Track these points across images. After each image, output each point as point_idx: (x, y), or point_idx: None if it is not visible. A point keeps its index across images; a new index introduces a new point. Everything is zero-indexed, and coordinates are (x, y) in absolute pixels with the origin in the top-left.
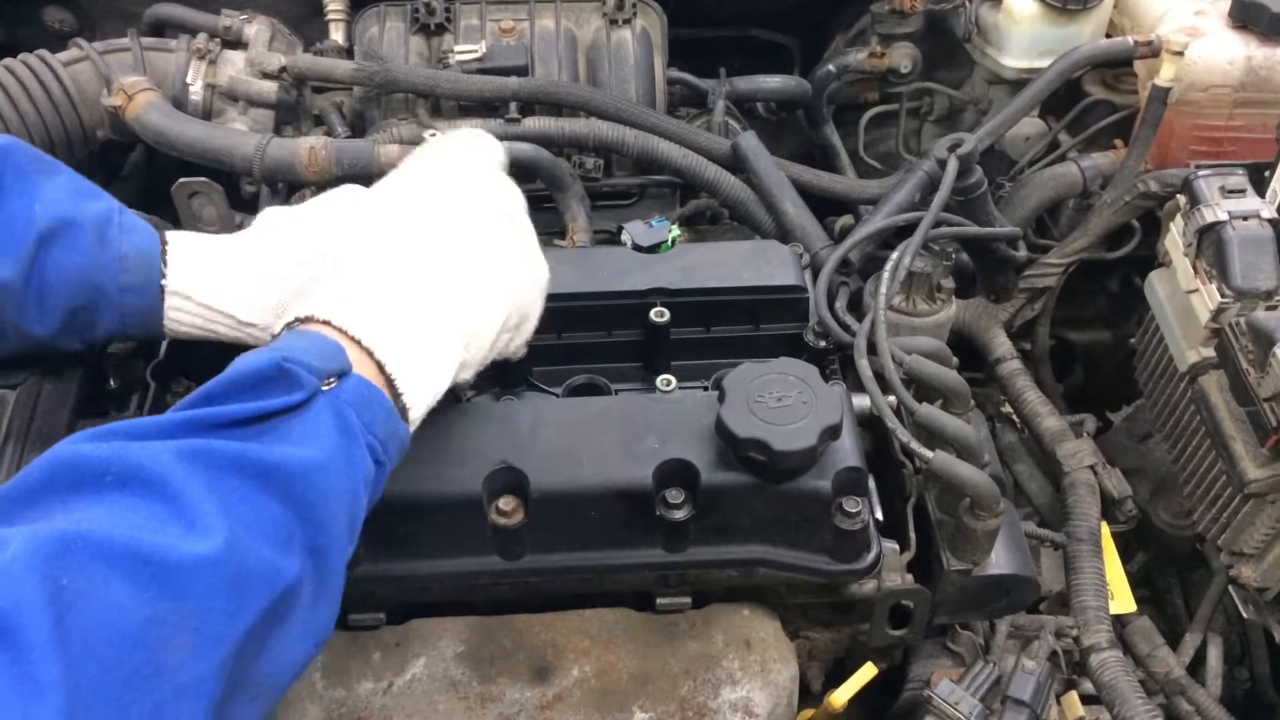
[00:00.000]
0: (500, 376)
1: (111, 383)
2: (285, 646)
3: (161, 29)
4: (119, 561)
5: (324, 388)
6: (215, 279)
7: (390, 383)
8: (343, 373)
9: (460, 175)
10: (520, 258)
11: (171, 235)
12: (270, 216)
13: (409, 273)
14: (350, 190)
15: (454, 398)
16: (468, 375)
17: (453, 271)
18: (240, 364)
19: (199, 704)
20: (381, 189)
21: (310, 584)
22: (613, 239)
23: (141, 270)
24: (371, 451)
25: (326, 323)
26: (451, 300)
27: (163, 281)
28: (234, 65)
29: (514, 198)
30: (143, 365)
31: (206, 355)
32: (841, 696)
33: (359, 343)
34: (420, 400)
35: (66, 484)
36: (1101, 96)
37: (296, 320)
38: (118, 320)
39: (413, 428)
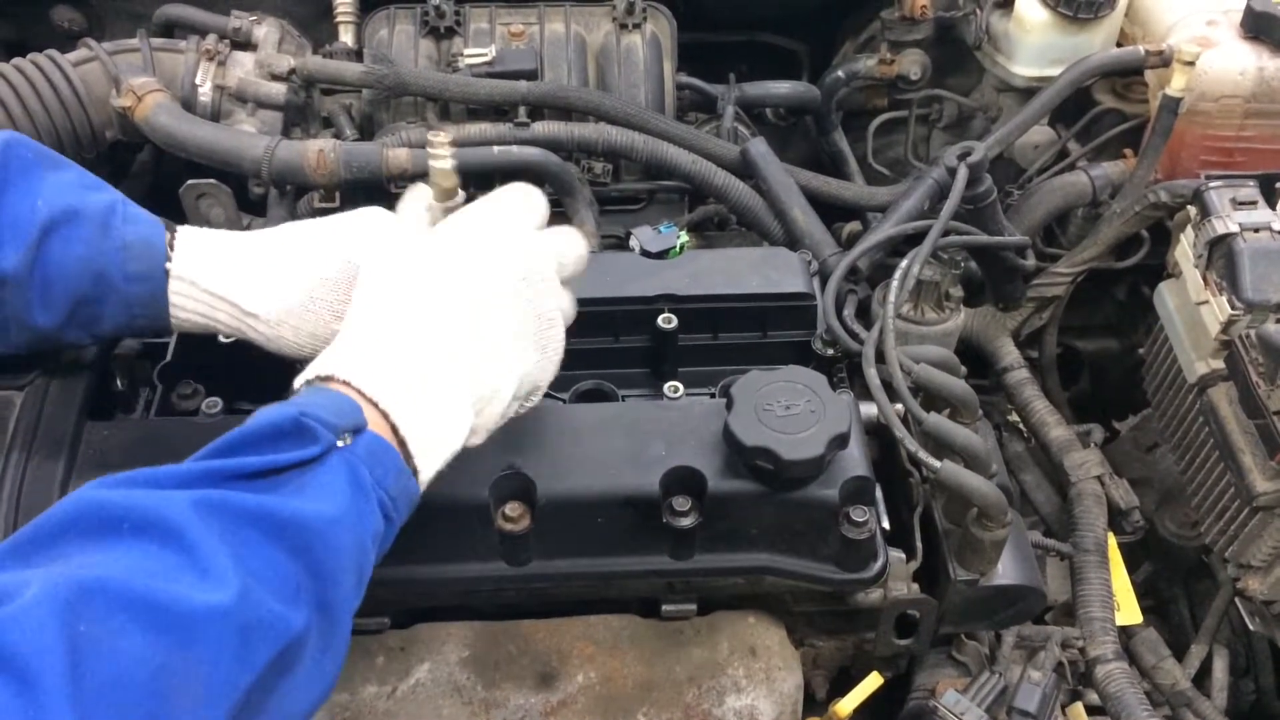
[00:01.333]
0: None
1: (119, 384)
2: (291, 697)
3: (171, 30)
4: (135, 609)
5: (339, 443)
6: (221, 267)
7: (403, 444)
8: (358, 429)
9: (492, 242)
10: (535, 331)
11: (181, 227)
12: (288, 224)
13: (429, 338)
14: (375, 219)
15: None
16: (478, 439)
17: (471, 341)
18: (260, 417)
19: None
20: (413, 242)
21: (317, 636)
22: (621, 244)
23: (146, 258)
24: (382, 507)
25: (345, 383)
26: (467, 369)
27: (167, 265)
28: (243, 67)
29: (545, 266)
30: (150, 367)
31: (214, 357)
32: (847, 706)
33: (375, 404)
34: (431, 463)
35: (86, 529)
36: (1111, 105)
37: (316, 378)
38: (123, 311)
39: (423, 489)
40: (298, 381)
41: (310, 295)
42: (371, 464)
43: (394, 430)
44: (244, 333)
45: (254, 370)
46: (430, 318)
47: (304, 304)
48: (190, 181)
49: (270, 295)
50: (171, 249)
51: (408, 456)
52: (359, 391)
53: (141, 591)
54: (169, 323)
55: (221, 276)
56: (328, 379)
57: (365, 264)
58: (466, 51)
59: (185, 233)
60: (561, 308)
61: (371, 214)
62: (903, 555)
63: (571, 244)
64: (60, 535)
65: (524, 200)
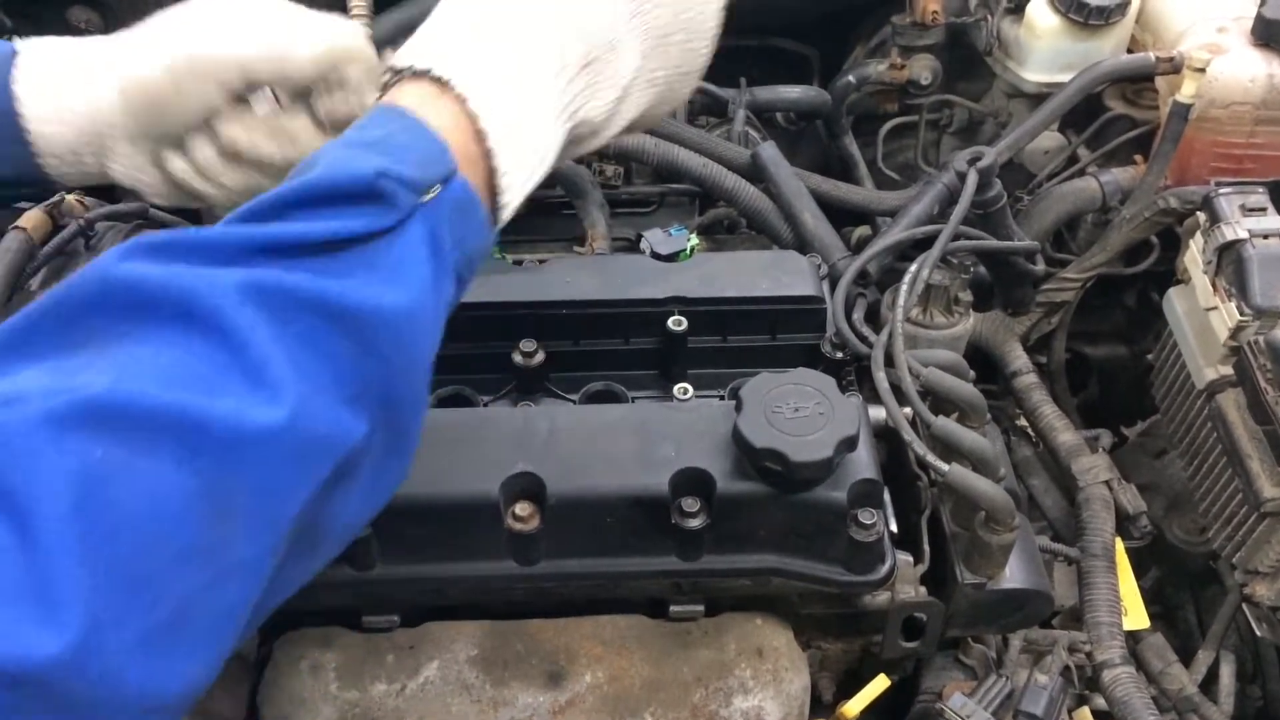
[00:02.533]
0: (518, 383)
1: None
2: (347, 507)
3: None
4: (166, 427)
5: (422, 200)
6: (69, 81)
7: (492, 174)
8: (447, 178)
9: None
10: (681, 26)
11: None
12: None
13: (534, 18)
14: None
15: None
16: (597, 142)
17: (594, 29)
18: (326, 168)
19: (249, 583)
20: None
21: (381, 437)
22: (631, 247)
23: None
24: (457, 271)
25: (436, 80)
26: (586, 69)
27: (14, 86)
28: None
29: None
30: None
31: None
32: (853, 708)
33: (475, 123)
34: (519, 192)
35: (113, 312)
36: (1122, 111)
37: (394, 74)
38: None
39: (502, 222)
40: (378, 85)
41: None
42: (455, 223)
43: (486, 155)
44: (105, 162)
45: None
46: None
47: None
48: None
49: (124, 113)
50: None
51: (495, 190)
52: (456, 97)
53: (175, 405)
54: (35, 168)
55: (70, 95)
56: (413, 76)
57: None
58: None
59: (30, 48)
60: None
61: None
62: (910, 558)
63: None
64: (80, 317)
65: None
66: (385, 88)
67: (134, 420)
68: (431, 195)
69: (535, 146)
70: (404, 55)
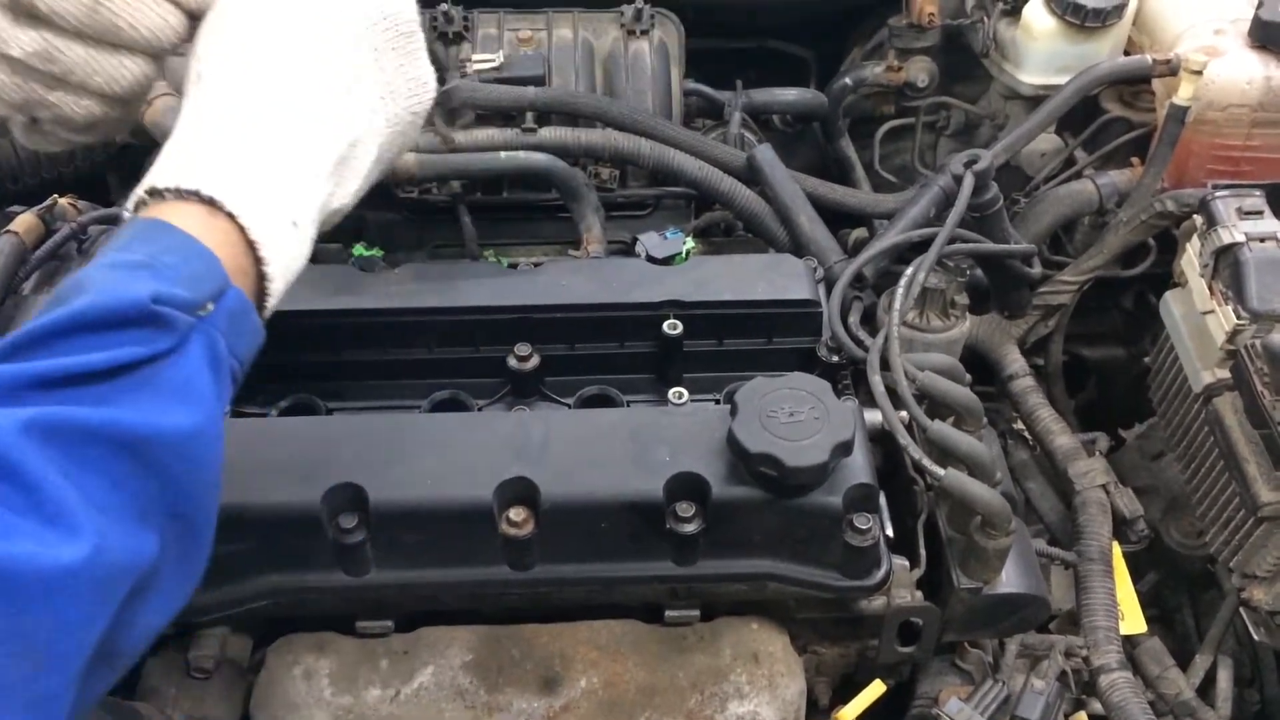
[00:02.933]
0: (513, 387)
1: None
2: (144, 620)
3: None
4: None
5: (199, 316)
6: None
7: (262, 276)
8: (219, 294)
9: None
10: (394, 50)
11: None
12: None
13: (276, 111)
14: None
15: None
16: (338, 218)
17: (328, 97)
18: (98, 295)
19: (51, 715)
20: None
21: (173, 550)
22: (627, 250)
23: None
24: (233, 375)
25: (204, 200)
26: (320, 135)
27: None
28: None
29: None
30: None
31: None
32: (850, 713)
33: (246, 235)
34: (284, 283)
35: None
36: (1119, 114)
37: (151, 194)
38: None
39: (267, 314)
40: (131, 202)
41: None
42: (231, 332)
43: (251, 249)
44: None
45: (262, 373)
46: (270, 88)
47: None
48: None
49: None
50: None
51: (261, 277)
52: (230, 216)
53: None
54: None
55: None
56: (184, 195)
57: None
58: (475, 57)
59: None
60: (416, 12)
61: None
62: (906, 563)
63: None
64: None
65: None
66: (141, 205)
67: None
68: (206, 312)
69: (299, 248)
70: (165, 173)
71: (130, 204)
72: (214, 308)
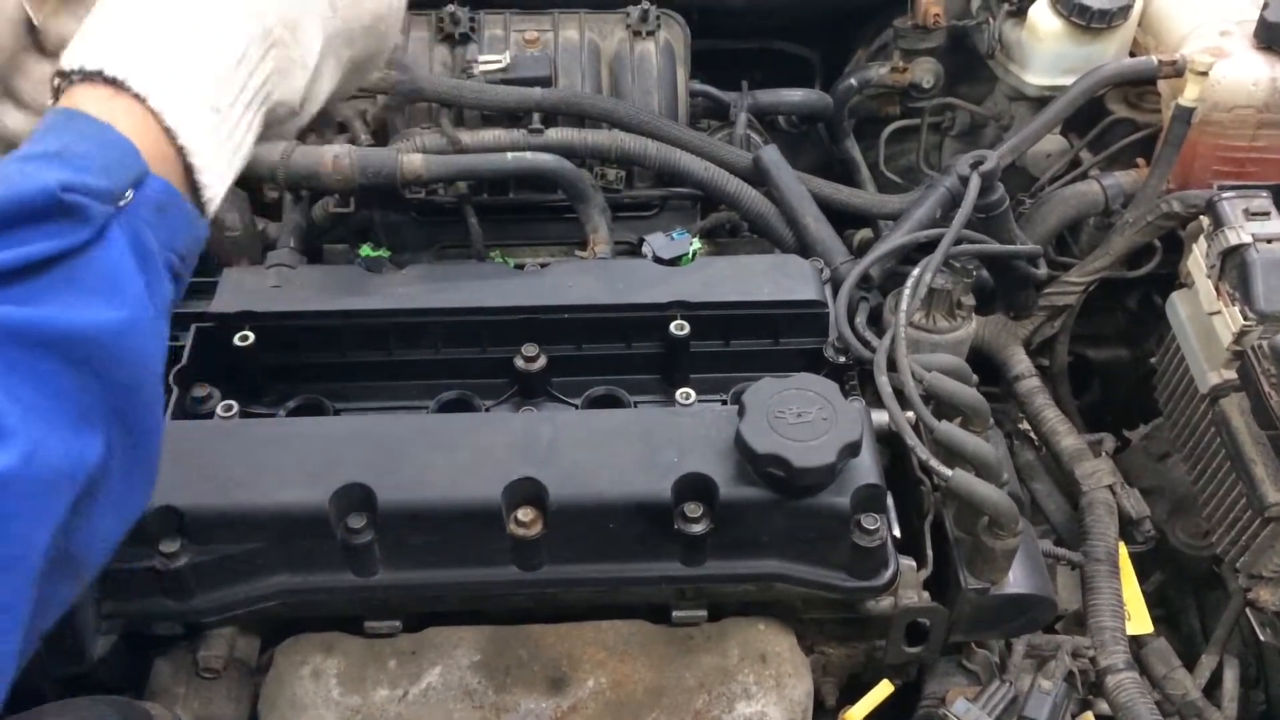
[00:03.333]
0: (520, 387)
1: None
2: (99, 527)
3: None
4: None
5: (119, 205)
6: None
7: (189, 169)
8: (139, 180)
9: None
10: None
11: None
12: None
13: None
14: None
15: (471, 407)
16: (296, 124)
17: None
18: (6, 188)
19: (11, 620)
20: None
21: (120, 453)
22: (634, 251)
23: None
24: (170, 269)
25: (110, 81)
26: (250, 14)
27: None
28: None
29: None
30: (165, 370)
31: (230, 360)
32: (857, 713)
33: (160, 120)
34: (222, 183)
35: None
36: (1124, 115)
37: (62, 78)
38: None
39: (211, 209)
40: (48, 90)
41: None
42: (157, 222)
43: (172, 141)
44: None
45: (269, 373)
46: None
47: None
48: None
49: None
50: None
51: (189, 169)
52: (124, 89)
53: None
54: None
55: None
56: (82, 78)
57: None
58: (481, 58)
59: None
60: None
61: None
62: (913, 563)
63: None
64: None
65: None
66: (57, 93)
67: None
68: (126, 200)
69: (229, 135)
70: (71, 56)
71: (48, 92)
72: (133, 196)
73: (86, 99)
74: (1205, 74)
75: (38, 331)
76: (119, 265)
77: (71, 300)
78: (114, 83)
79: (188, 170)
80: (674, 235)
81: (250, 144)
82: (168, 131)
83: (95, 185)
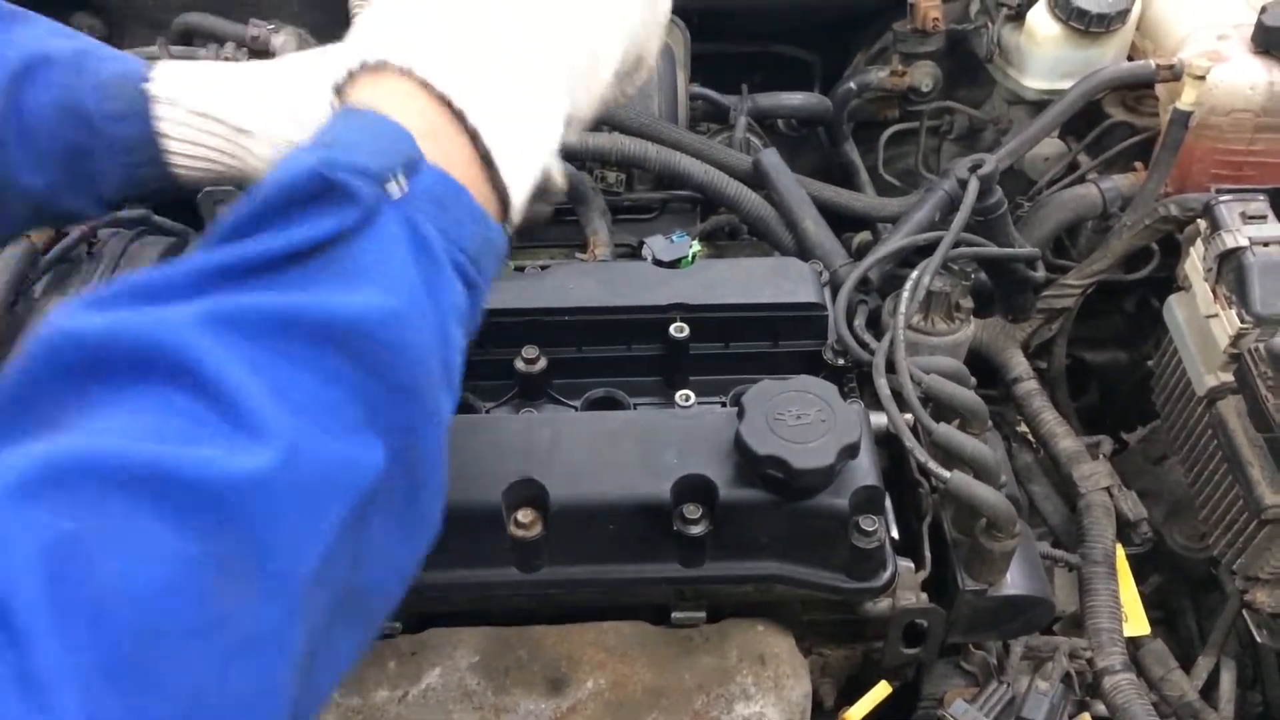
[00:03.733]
0: (520, 389)
1: None
2: (381, 556)
3: (190, 37)
4: (140, 489)
5: (391, 192)
6: (207, 85)
7: (487, 161)
8: (411, 166)
9: None
10: None
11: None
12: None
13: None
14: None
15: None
16: (572, 134)
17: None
18: (271, 179)
19: (274, 658)
20: None
21: (399, 471)
22: (633, 253)
23: (124, 96)
24: (460, 272)
25: (403, 72)
26: (556, 30)
27: (144, 85)
28: None
29: None
30: None
31: None
32: (855, 714)
33: (447, 104)
34: (525, 183)
35: (57, 379)
36: (1122, 118)
37: (354, 71)
38: (117, 162)
39: (515, 219)
40: (332, 88)
41: (315, 100)
42: (438, 215)
43: (474, 141)
44: (243, 161)
45: None
46: None
47: (303, 110)
48: (208, 188)
49: (265, 108)
50: (151, 75)
51: (494, 176)
52: (424, 85)
53: (146, 462)
54: (168, 171)
55: (209, 93)
56: (371, 72)
57: None
58: None
59: (165, 62)
60: None
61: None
62: (911, 565)
63: None
64: (37, 386)
65: None
66: (339, 91)
67: (103, 483)
68: (400, 188)
69: (530, 137)
70: (356, 51)
71: (331, 91)
72: (408, 186)
73: (372, 93)
74: (1203, 78)
75: (303, 318)
76: (392, 253)
77: (338, 286)
78: (410, 75)
79: (485, 164)
80: (674, 238)
81: (553, 152)
82: (457, 115)
83: (361, 164)
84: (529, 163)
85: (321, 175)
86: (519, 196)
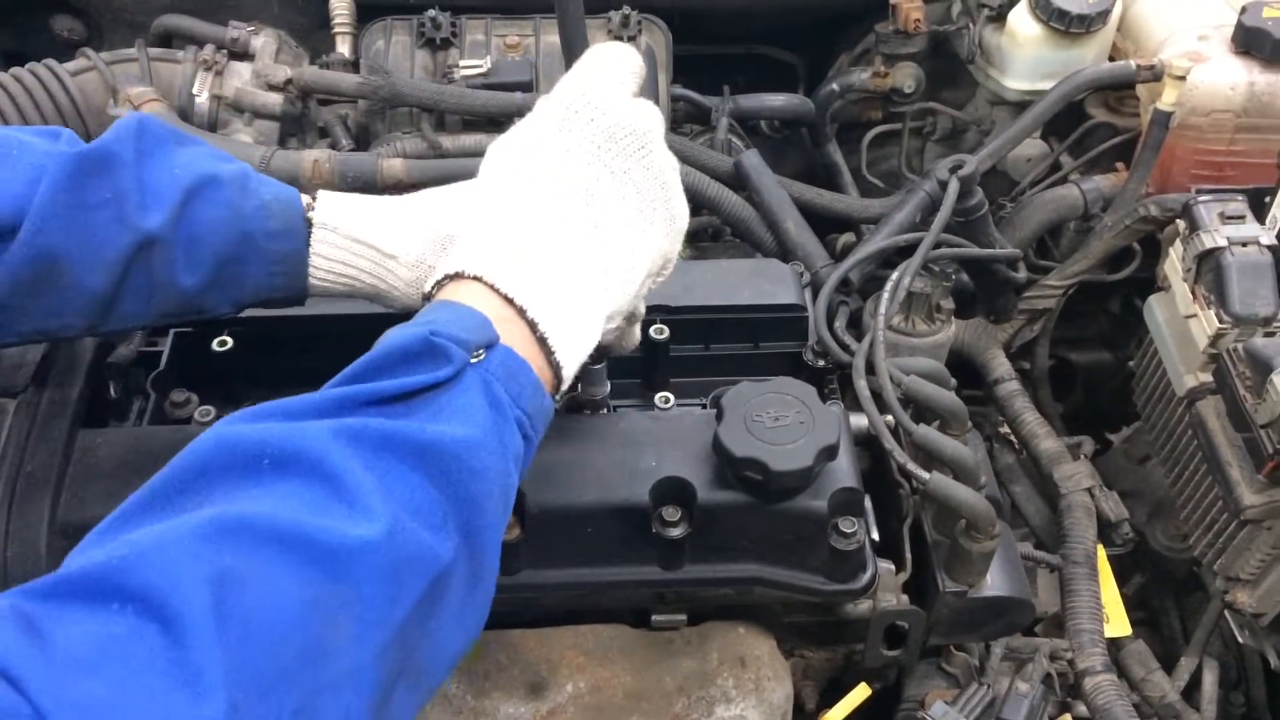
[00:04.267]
0: None
1: (112, 392)
2: (442, 633)
3: (169, 39)
4: (282, 544)
5: (472, 360)
6: (361, 214)
7: (544, 344)
8: (490, 344)
9: (594, 111)
10: (661, 198)
11: (321, 191)
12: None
13: (554, 222)
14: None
15: None
16: (613, 326)
17: (597, 218)
18: (388, 339)
19: (361, 692)
20: (517, 134)
21: (464, 566)
22: None
23: (284, 216)
24: (520, 427)
25: (476, 279)
26: (599, 249)
27: (309, 215)
28: (240, 77)
29: (651, 128)
30: (143, 375)
31: (208, 366)
32: (836, 716)
33: (511, 302)
34: (573, 361)
35: (223, 467)
36: (1103, 119)
37: (445, 278)
38: (264, 271)
39: (564, 388)
40: (427, 285)
41: (448, 234)
42: (507, 381)
43: (533, 329)
44: (384, 280)
45: (247, 378)
46: (553, 200)
47: (442, 244)
48: None
49: (408, 236)
50: (314, 198)
51: (549, 355)
52: (492, 288)
53: (288, 525)
54: (305, 284)
55: (361, 222)
56: (455, 277)
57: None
58: (462, 63)
59: (324, 192)
60: (674, 166)
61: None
62: (892, 566)
63: (656, 114)
64: (198, 476)
65: (615, 63)
66: (433, 291)
67: (255, 538)
68: (480, 356)
69: (581, 332)
70: (453, 261)
71: (427, 286)
72: (485, 355)
73: (458, 292)
74: (1183, 78)
75: (406, 440)
76: (472, 401)
77: (432, 419)
78: (481, 281)
79: (543, 349)
80: None
81: (596, 338)
82: (533, 326)
83: (457, 335)
84: (578, 347)
85: (429, 340)
86: (569, 371)
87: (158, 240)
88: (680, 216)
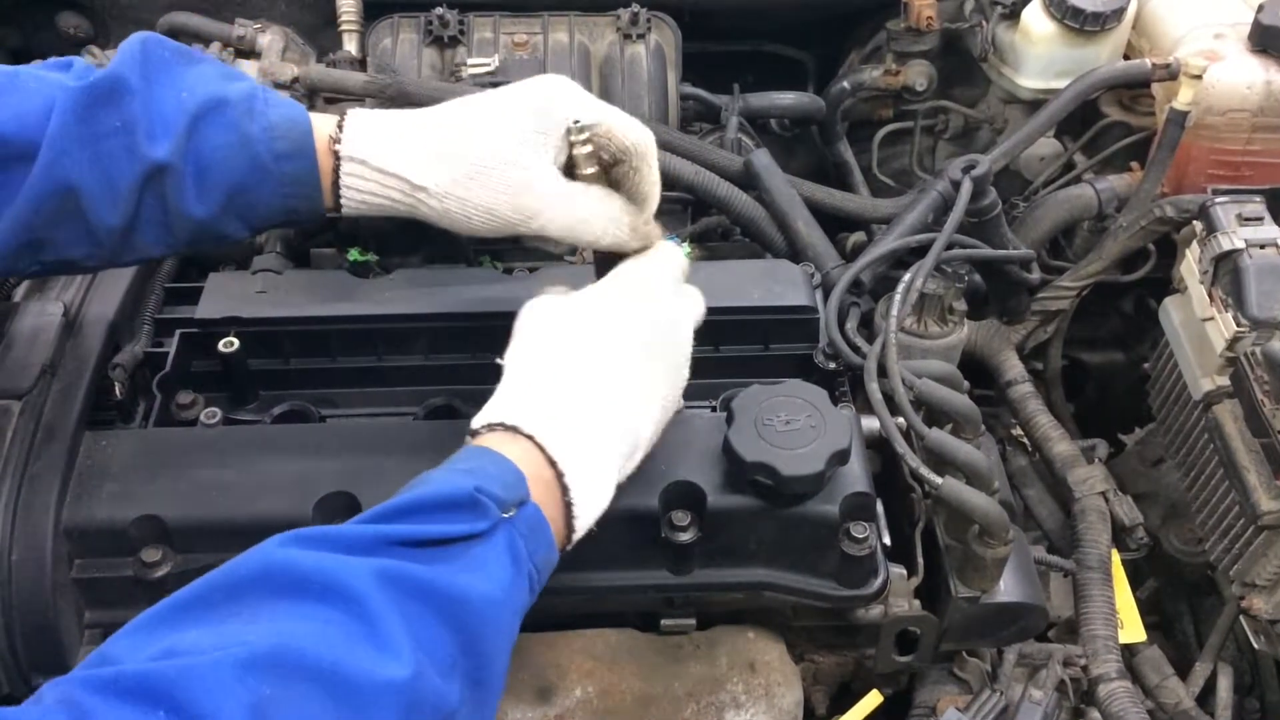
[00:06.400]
0: None
1: (118, 393)
2: None
3: (175, 37)
4: (319, 677)
5: (504, 515)
6: (389, 143)
7: (568, 507)
8: (522, 502)
9: (644, 299)
10: (677, 383)
11: (350, 110)
12: (458, 99)
13: (593, 390)
14: (549, 88)
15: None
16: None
17: (633, 395)
18: (436, 486)
19: None
20: (575, 300)
21: (469, 709)
22: None
23: (293, 137)
24: (530, 581)
25: (529, 437)
26: (626, 422)
27: (336, 148)
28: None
29: (692, 314)
30: (149, 376)
31: (214, 367)
32: None
33: (554, 465)
34: (587, 523)
35: (275, 588)
36: (1118, 118)
37: (500, 425)
38: (277, 194)
39: (573, 540)
40: (476, 422)
41: (477, 165)
42: (529, 538)
43: (564, 493)
44: (416, 209)
45: (255, 380)
46: (595, 368)
47: (469, 174)
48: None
49: (438, 167)
50: (340, 130)
51: (570, 518)
52: (542, 450)
53: (327, 660)
54: (320, 204)
55: (390, 153)
56: (511, 431)
57: (525, 314)
58: (470, 61)
59: (353, 114)
60: (689, 357)
61: (545, 83)
62: (904, 571)
63: (698, 304)
64: (250, 589)
65: (669, 262)
66: (474, 434)
67: (293, 670)
68: (512, 513)
69: (601, 489)
70: (496, 412)
71: (471, 429)
72: (517, 512)
73: (497, 441)
74: (1199, 77)
75: (434, 590)
76: (499, 556)
77: (463, 571)
78: (527, 436)
79: (566, 509)
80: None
81: (609, 501)
82: (558, 474)
83: (497, 494)
84: (595, 511)
85: (474, 496)
86: (579, 533)
87: (167, 169)
88: (680, 400)
